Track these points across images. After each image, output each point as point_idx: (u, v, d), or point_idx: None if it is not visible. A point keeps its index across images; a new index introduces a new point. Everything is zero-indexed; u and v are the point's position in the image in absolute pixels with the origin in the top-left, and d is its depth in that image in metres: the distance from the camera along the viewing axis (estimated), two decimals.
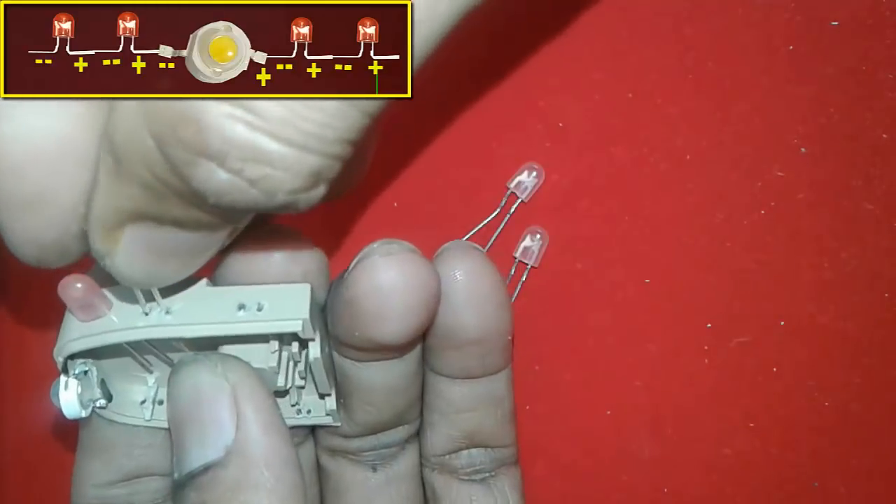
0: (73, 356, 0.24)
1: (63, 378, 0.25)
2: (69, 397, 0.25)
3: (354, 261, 0.24)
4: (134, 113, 0.18)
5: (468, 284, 0.25)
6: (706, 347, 0.31)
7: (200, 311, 0.24)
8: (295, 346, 0.25)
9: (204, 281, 0.24)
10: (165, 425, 0.25)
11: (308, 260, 0.25)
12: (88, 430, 0.26)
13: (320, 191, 0.19)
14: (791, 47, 0.30)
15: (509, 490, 0.29)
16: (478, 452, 0.29)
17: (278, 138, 0.18)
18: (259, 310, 0.23)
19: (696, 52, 0.31)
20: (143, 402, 0.26)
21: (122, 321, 0.24)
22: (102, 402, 0.26)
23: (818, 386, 0.31)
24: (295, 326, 0.23)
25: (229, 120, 0.17)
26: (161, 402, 0.26)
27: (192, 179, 0.18)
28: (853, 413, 0.31)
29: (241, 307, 0.23)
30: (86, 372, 0.25)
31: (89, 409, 0.25)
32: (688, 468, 0.31)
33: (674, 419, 0.31)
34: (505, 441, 0.29)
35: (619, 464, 0.31)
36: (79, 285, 0.23)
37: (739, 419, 0.31)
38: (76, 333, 0.24)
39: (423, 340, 0.27)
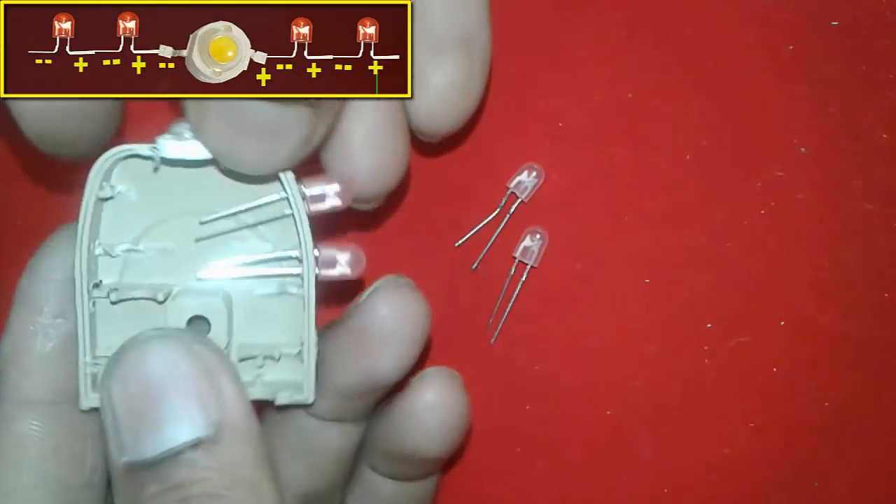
0: None
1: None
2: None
3: (364, 294, 0.25)
4: None
5: (440, 410, 0.26)
6: (706, 347, 0.31)
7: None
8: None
9: None
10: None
11: None
12: None
13: None
14: (791, 47, 0.30)
15: None
16: None
17: None
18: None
19: (696, 52, 0.31)
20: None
21: None
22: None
23: (818, 386, 0.31)
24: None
25: None
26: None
27: None
28: (853, 413, 0.31)
29: None
30: None
31: None
32: (688, 468, 0.31)
33: (674, 419, 0.31)
34: None
35: (619, 464, 0.31)
36: None
37: (739, 419, 0.31)
38: None
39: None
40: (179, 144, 0.23)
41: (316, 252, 0.25)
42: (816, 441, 0.31)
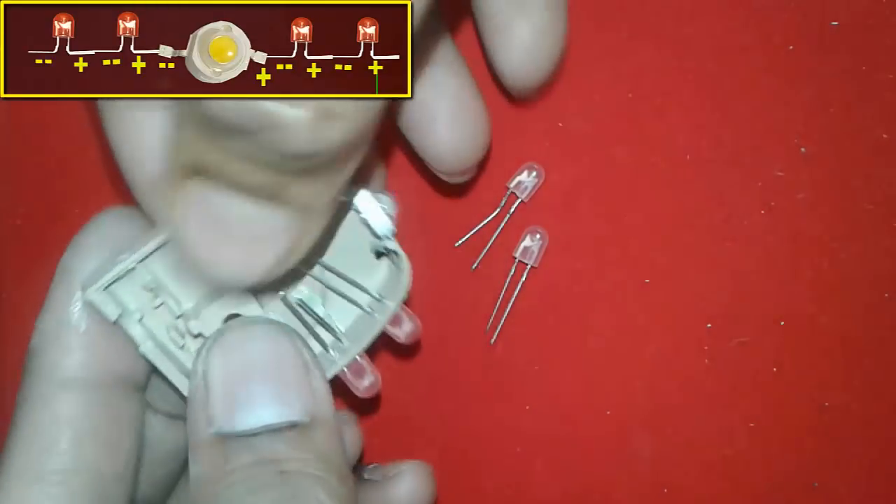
0: None
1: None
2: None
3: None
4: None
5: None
6: (706, 347, 0.31)
7: None
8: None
9: None
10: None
11: None
12: None
13: (334, 131, 0.18)
14: (791, 47, 0.30)
15: None
16: None
17: None
18: None
19: (696, 52, 0.31)
20: (134, 314, 0.24)
21: None
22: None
23: (818, 386, 0.31)
24: None
25: None
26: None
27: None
28: (853, 413, 0.31)
29: None
30: None
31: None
32: (688, 468, 0.31)
33: (674, 419, 0.31)
34: None
35: (619, 464, 0.31)
36: None
37: (739, 419, 0.31)
38: None
39: None
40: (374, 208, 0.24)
41: (357, 358, 0.25)
42: (816, 441, 0.31)
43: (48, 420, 0.22)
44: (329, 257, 0.26)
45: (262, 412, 0.21)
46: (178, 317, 0.25)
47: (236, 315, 0.25)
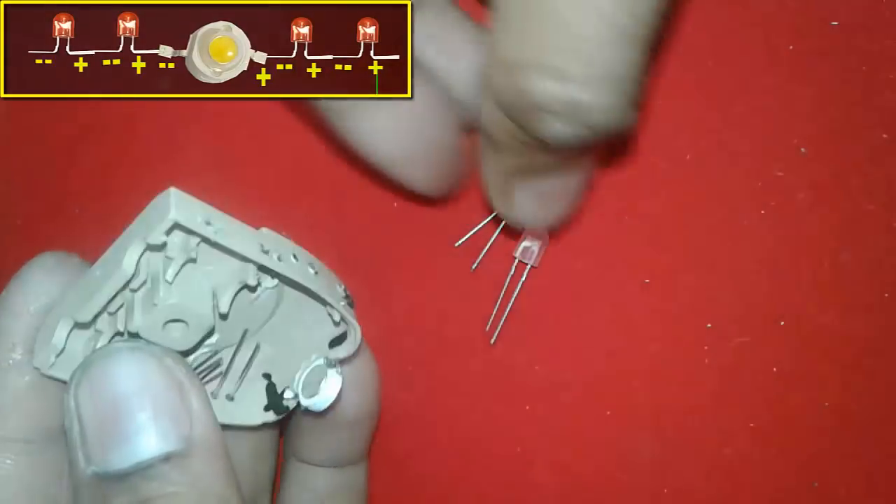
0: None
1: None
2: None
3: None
4: (491, 105, 0.23)
5: (351, 370, 0.28)
6: (706, 347, 0.31)
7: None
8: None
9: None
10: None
11: None
12: None
13: (624, 110, 0.21)
14: (791, 47, 0.30)
15: None
16: None
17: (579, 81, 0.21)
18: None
19: (696, 52, 0.31)
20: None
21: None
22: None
23: (818, 386, 0.31)
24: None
25: (541, 79, 0.20)
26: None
27: (535, 130, 0.22)
28: (853, 413, 0.31)
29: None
30: None
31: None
32: (688, 468, 0.31)
33: (674, 419, 0.31)
34: None
35: (619, 464, 0.31)
36: None
37: (739, 419, 0.31)
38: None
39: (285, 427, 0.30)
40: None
41: None
42: (816, 441, 0.31)
43: None
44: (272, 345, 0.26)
45: (133, 447, 0.21)
46: (136, 290, 0.23)
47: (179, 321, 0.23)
